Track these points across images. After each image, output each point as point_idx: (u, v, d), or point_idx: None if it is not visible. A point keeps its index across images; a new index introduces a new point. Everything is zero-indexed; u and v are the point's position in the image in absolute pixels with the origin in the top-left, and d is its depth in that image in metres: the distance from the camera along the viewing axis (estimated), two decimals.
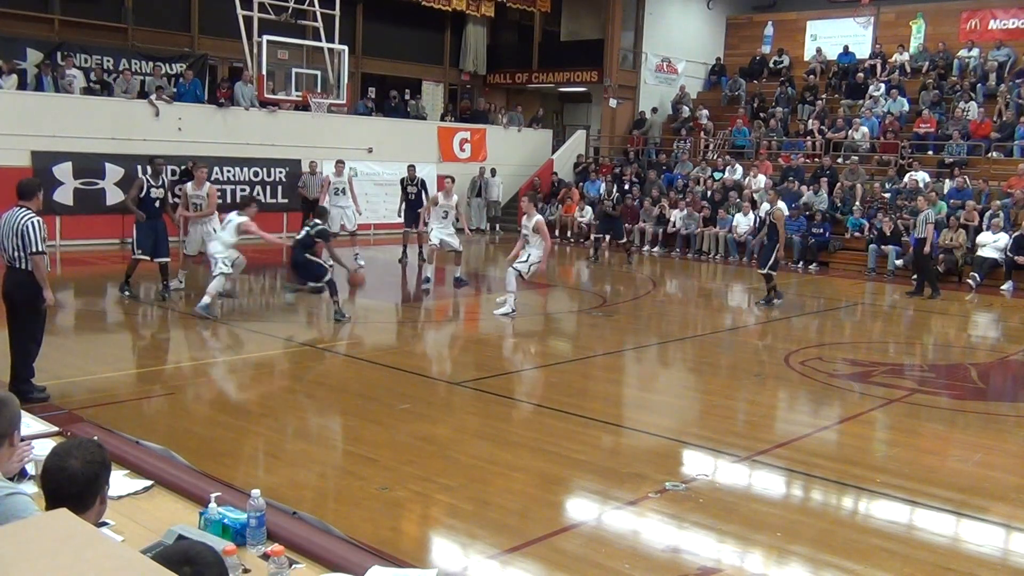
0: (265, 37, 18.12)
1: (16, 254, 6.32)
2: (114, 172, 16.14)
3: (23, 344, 6.56)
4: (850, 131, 20.10)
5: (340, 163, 15.14)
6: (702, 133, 23.10)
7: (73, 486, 2.37)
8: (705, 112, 23.72)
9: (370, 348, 9.56)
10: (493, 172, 21.89)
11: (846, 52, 23.29)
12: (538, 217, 11.26)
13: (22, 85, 16.19)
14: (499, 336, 10.42)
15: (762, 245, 12.50)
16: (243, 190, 17.73)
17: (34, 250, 6.30)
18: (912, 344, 11.12)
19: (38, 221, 6.36)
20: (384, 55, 23.38)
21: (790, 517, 5.06)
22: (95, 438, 3.68)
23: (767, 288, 12.34)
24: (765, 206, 12.78)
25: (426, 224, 13.67)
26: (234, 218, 10.45)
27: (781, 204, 12.83)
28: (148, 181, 11.20)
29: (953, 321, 12.84)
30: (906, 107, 20.53)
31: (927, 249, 13.80)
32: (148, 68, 18.15)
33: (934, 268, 14.37)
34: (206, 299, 9.98)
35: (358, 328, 10.60)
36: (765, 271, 12.19)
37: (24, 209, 6.36)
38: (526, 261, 10.86)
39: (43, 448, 3.15)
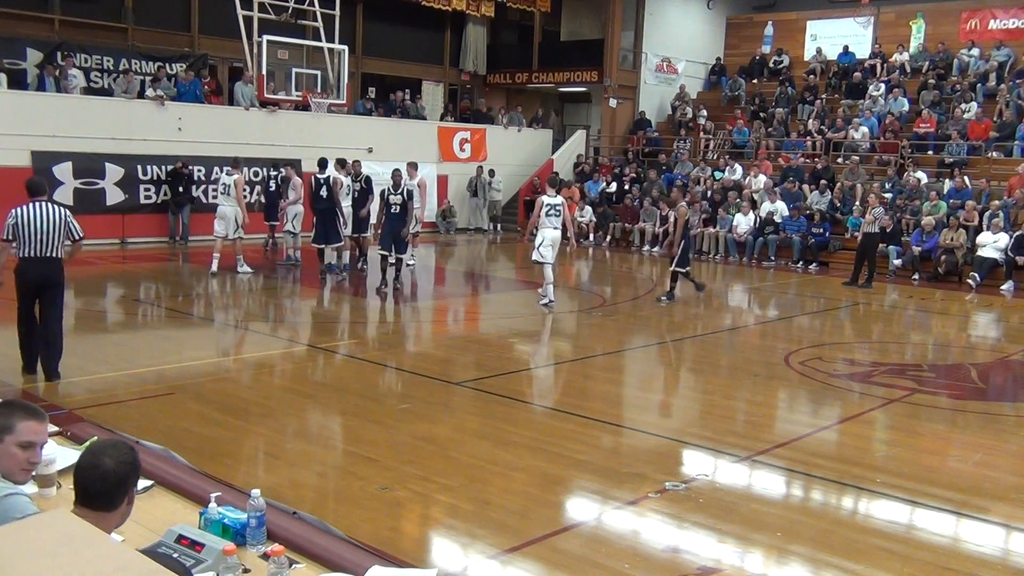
0: (265, 37, 18.11)
1: (58, 243, 6.91)
2: (114, 172, 16.14)
3: (59, 325, 7.14)
4: (850, 131, 20.10)
5: (413, 165, 14.30)
6: (701, 133, 23.10)
7: (104, 483, 2.44)
8: (704, 112, 23.73)
9: (370, 348, 9.56)
10: (492, 173, 21.85)
11: (846, 52, 23.30)
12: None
13: (22, 85, 16.20)
14: (499, 336, 10.42)
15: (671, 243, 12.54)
16: (243, 190, 17.73)
17: (82, 235, 7.17)
18: (912, 344, 11.12)
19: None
20: (384, 55, 23.38)
21: (790, 517, 5.06)
22: (95, 437, 3.68)
23: (694, 284, 12.42)
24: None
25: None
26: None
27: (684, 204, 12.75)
28: (318, 179, 12.94)
29: (953, 321, 12.84)
30: (906, 107, 20.53)
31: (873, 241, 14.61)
32: (148, 68, 18.16)
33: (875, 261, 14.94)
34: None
35: (357, 328, 10.61)
36: (680, 268, 12.26)
37: (53, 204, 7.02)
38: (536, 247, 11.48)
39: (43, 448, 3.14)
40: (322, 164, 13.29)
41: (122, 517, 2.54)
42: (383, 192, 12.37)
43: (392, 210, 12.15)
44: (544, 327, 11.11)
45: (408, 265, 14.68)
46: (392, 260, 12.17)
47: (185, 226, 16.76)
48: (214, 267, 12.89)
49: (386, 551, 3.37)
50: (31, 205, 6.85)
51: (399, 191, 12.20)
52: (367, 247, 14.19)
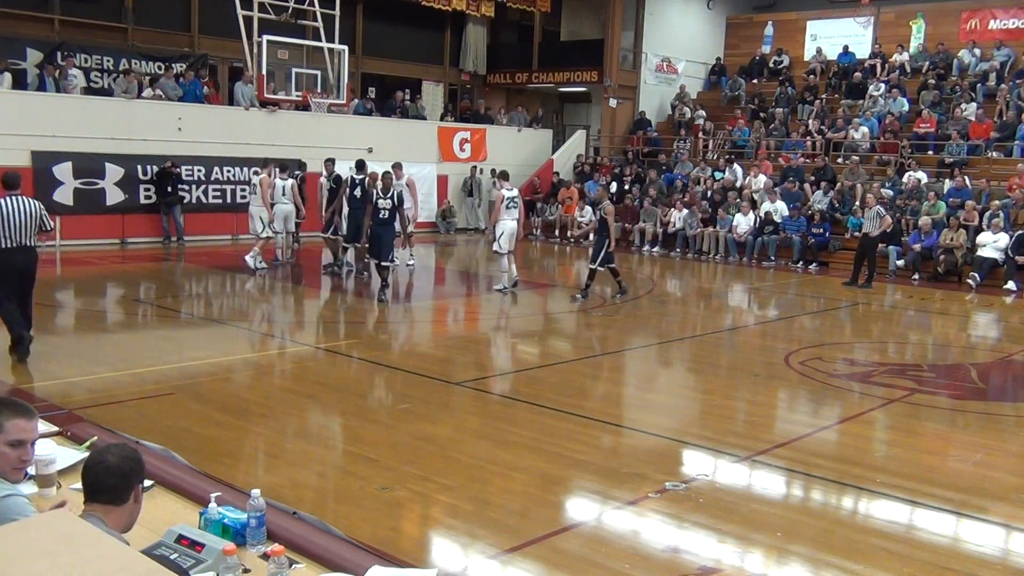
0: (265, 37, 18.11)
1: (33, 233, 7.40)
2: (114, 172, 16.14)
3: (31, 309, 7.76)
4: (850, 131, 20.09)
5: (398, 166, 14.26)
6: (701, 133, 23.09)
7: (110, 478, 2.54)
8: (702, 113, 23.71)
9: (370, 348, 9.56)
10: (494, 172, 21.78)
11: (846, 52, 23.30)
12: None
13: (22, 85, 16.20)
14: (499, 336, 10.42)
15: (593, 240, 12.45)
16: (243, 190, 17.74)
17: (52, 227, 7.72)
18: (912, 344, 11.12)
19: None
20: (384, 55, 23.39)
21: (790, 517, 5.06)
22: (95, 437, 3.69)
23: (586, 283, 12.30)
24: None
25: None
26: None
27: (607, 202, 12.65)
28: (354, 179, 13.16)
29: (953, 321, 12.84)
30: (906, 107, 20.53)
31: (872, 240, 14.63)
32: (149, 68, 18.17)
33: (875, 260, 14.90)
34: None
35: (357, 328, 10.60)
36: (594, 266, 12.09)
37: (26, 197, 7.47)
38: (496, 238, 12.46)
39: (43, 448, 3.15)
40: (359, 166, 13.30)
41: (130, 515, 2.60)
42: (372, 196, 11.84)
43: (380, 215, 11.48)
44: (544, 327, 11.11)
45: (408, 265, 14.68)
46: (383, 266, 11.57)
47: (179, 226, 16.72)
48: (258, 264, 13.59)
49: (386, 551, 3.37)
50: (8, 198, 7.36)
51: (389, 195, 11.51)
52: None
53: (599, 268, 12.07)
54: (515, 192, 12.78)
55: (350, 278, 13.74)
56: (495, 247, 12.52)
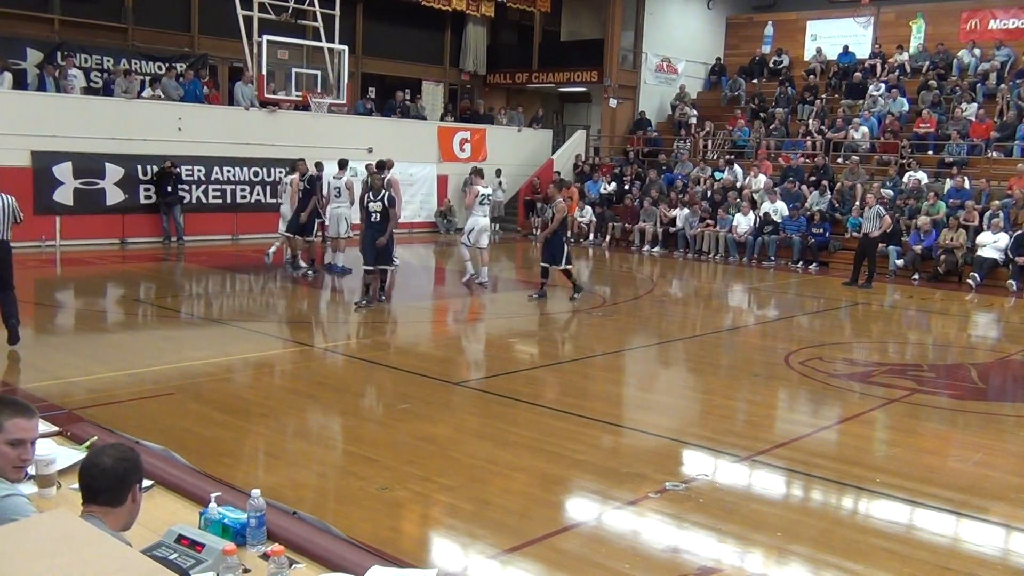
0: (265, 37, 18.11)
1: (8, 227, 7.72)
2: (114, 172, 16.14)
3: (14, 299, 8.00)
4: (850, 131, 20.09)
5: (380, 165, 14.13)
6: (700, 133, 23.08)
7: (105, 479, 2.53)
8: (694, 113, 23.68)
9: (370, 348, 9.56)
10: (498, 172, 21.75)
11: (846, 52, 23.30)
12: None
13: (22, 85, 16.20)
14: (499, 336, 10.41)
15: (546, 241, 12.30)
16: (243, 190, 17.76)
17: (23, 219, 8.03)
18: (912, 344, 11.12)
19: None
20: (384, 55, 23.39)
21: (790, 517, 5.06)
22: (95, 437, 3.69)
23: (571, 283, 12.29)
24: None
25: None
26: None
27: (560, 201, 12.40)
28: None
29: (953, 321, 12.84)
30: (906, 107, 20.52)
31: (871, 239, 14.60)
32: (149, 68, 18.18)
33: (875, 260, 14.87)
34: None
35: (358, 328, 10.60)
36: (564, 266, 12.09)
37: (1, 192, 7.81)
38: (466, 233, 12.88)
39: (43, 448, 3.15)
40: (380, 167, 13.23)
41: (129, 515, 2.59)
42: (362, 198, 11.32)
43: (372, 218, 10.98)
44: (543, 327, 11.11)
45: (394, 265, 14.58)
46: (376, 272, 11.12)
47: (179, 226, 16.71)
48: (268, 257, 14.05)
49: (386, 551, 3.36)
50: None
51: (379, 197, 10.97)
52: (296, 248, 13.72)
53: (567, 266, 12.18)
54: (489, 190, 13.26)
55: (346, 278, 13.74)
56: (464, 240, 12.87)
